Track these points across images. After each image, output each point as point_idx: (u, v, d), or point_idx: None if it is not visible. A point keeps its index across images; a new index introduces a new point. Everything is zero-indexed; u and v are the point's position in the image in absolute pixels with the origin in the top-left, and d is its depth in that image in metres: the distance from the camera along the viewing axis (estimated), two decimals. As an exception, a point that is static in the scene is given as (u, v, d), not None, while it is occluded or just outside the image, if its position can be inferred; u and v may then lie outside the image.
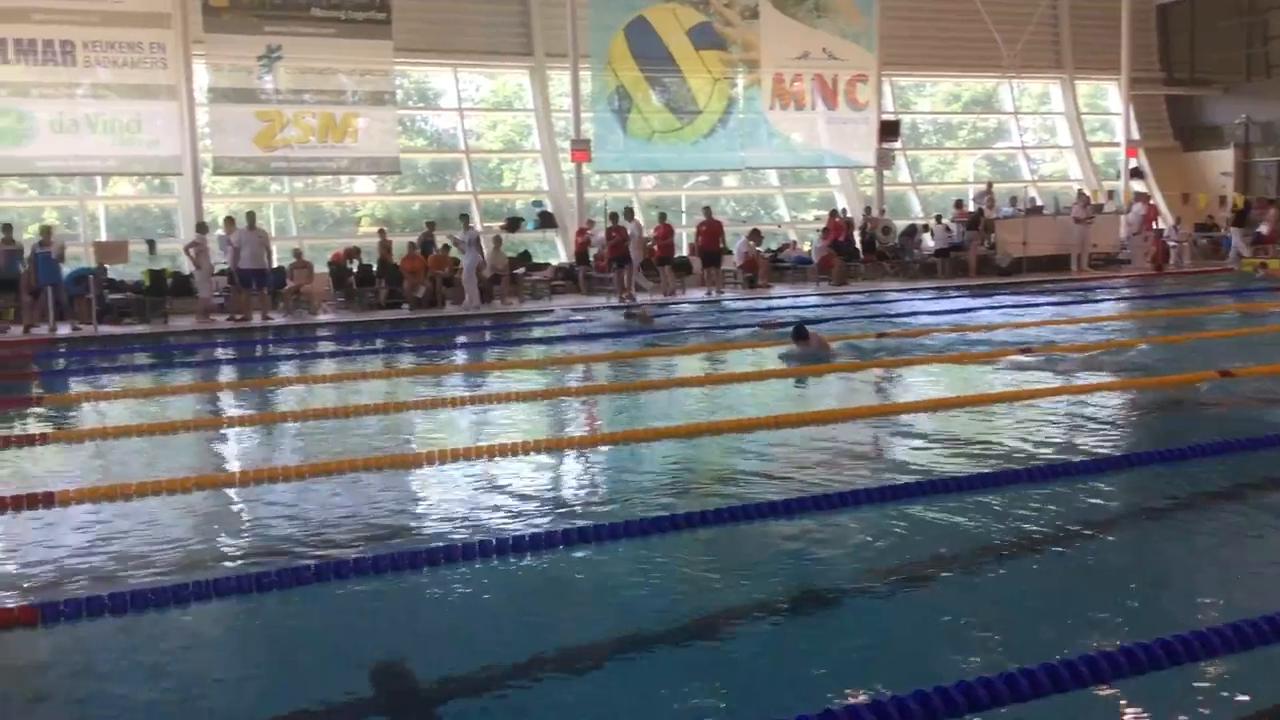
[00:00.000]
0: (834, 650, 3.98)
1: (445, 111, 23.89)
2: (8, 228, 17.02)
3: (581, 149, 21.81)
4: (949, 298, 18.64)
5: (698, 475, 6.75)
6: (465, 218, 19.72)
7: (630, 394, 9.73)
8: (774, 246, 23.63)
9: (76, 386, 11.57)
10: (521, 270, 20.87)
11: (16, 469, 7.38)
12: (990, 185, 25.21)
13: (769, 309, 17.40)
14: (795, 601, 4.49)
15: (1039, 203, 24.72)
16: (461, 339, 14.92)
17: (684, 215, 24.30)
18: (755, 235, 22.08)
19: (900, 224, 24.37)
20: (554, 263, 22.18)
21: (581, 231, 21.30)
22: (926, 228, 24.13)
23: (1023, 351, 10.85)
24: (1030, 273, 22.24)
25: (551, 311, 18.09)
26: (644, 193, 24.67)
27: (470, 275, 18.75)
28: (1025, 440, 7.20)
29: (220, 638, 4.45)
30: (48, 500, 6.09)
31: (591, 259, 21.14)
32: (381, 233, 20.21)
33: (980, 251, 22.92)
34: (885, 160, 24.94)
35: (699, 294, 20.44)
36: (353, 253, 19.90)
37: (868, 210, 24.03)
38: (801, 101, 24.67)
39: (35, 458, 7.71)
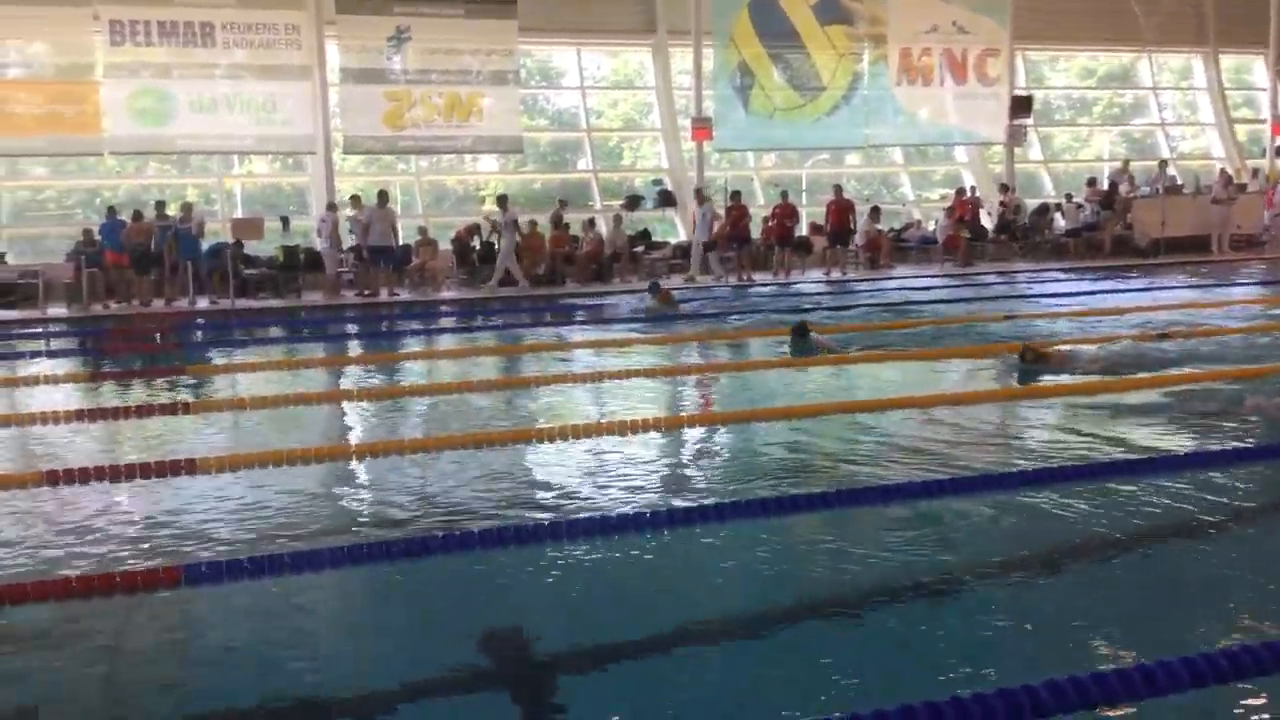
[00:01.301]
0: (947, 638, 3.89)
1: (567, 90, 24.03)
2: (160, 205, 17.73)
3: (702, 127, 21.68)
4: (1081, 279, 18.03)
5: (810, 456, 6.65)
6: (504, 199, 19.23)
7: (743, 373, 9.65)
8: (897, 226, 23.16)
9: (214, 358, 12.01)
10: (640, 249, 20.89)
11: (160, 437, 7.70)
12: (1127, 163, 24.26)
13: (884, 290, 17.09)
14: (909, 587, 4.40)
15: (1178, 181, 23.69)
16: (580, 315, 15.00)
17: (804, 194, 23.98)
18: (875, 214, 21.68)
19: (1031, 203, 23.62)
20: (673, 241, 22.14)
21: (741, 208, 21.11)
22: (1058, 207, 23.35)
23: (1162, 336, 10.43)
24: (1168, 254, 21.33)
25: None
26: (764, 171, 24.43)
27: (509, 256, 18.60)
28: (1159, 428, 6.92)
29: (347, 603, 4.58)
30: (189, 467, 6.34)
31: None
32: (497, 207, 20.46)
33: (1115, 232, 22.08)
34: (1016, 137, 24.19)
35: (817, 274, 20.18)
36: (473, 230, 20.17)
37: (1003, 188, 23.34)
38: (929, 77, 24.08)
39: (177, 426, 8.03)
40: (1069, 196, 23.13)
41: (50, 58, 19.09)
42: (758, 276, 19.61)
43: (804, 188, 23.99)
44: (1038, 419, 7.59)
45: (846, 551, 4.81)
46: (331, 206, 18.51)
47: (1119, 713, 3.20)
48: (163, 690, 3.74)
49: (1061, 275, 18.91)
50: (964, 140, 24.99)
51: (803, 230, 21.45)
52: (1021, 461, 6.20)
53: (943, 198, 24.17)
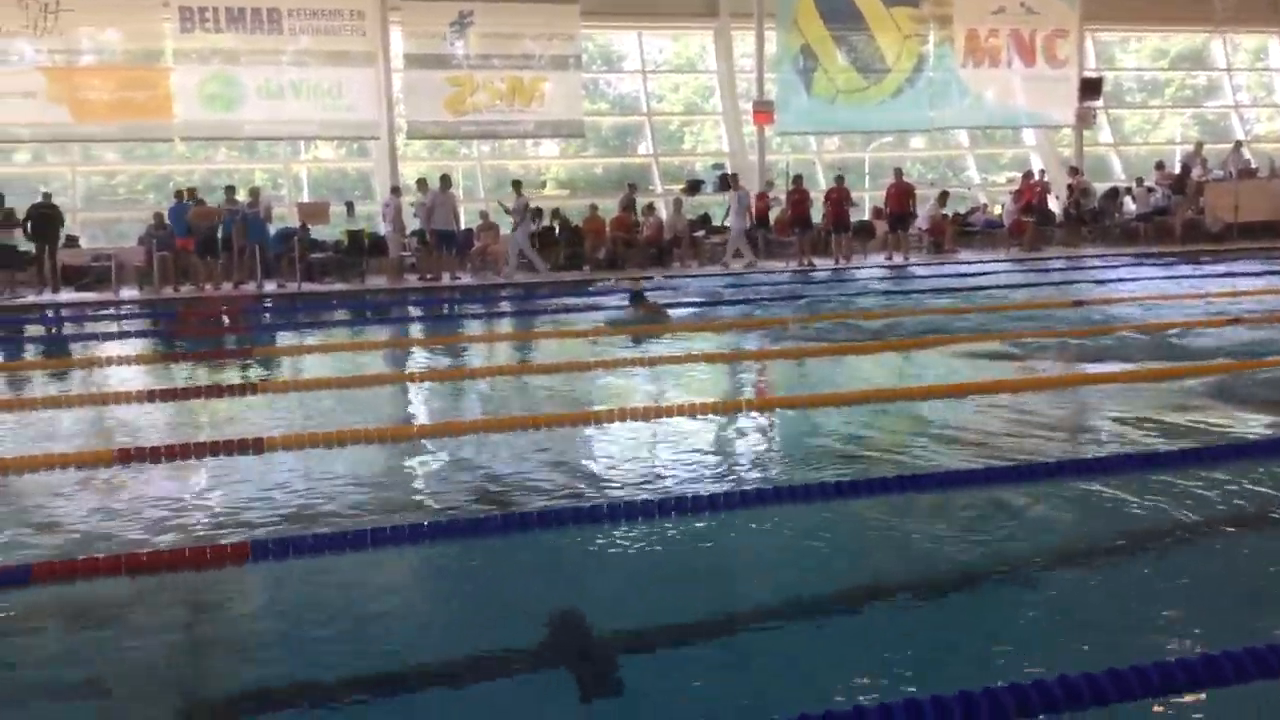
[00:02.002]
0: (1010, 626, 3.84)
1: (628, 74, 24.00)
2: (229, 190, 18.05)
3: (764, 110, 21.54)
4: (1152, 264, 17.65)
5: (873, 441, 6.58)
6: (517, 184, 19.21)
7: (805, 358, 9.59)
8: (961, 210, 22.84)
9: (281, 340, 12.21)
10: (701, 233, 20.83)
11: (229, 416, 7.85)
12: (1200, 145, 23.66)
13: (944, 275, 16.87)
14: (974, 575, 4.35)
15: (1253, 164, 23.06)
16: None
17: (867, 178, 23.75)
18: (943, 198, 21.40)
19: (1100, 187, 23.16)
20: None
21: (762, 195, 21.07)
22: (1128, 191, 22.86)
23: (1233, 322, 10.19)
24: (1242, 239, 20.79)
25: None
26: (826, 154, 24.22)
27: (524, 243, 18.58)
28: (1228, 415, 6.76)
29: (409, 581, 4.63)
30: (257, 446, 6.45)
31: (772, 223, 20.91)
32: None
33: (1187, 216, 21.57)
34: (1086, 119, 23.72)
35: (878, 259, 19.99)
36: (534, 213, 20.23)
37: (1072, 171, 22.89)
38: (996, 58, 23.69)
39: (245, 406, 8.18)
40: (1139, 180, 22.65)
41: (122, 44, 19.51)
42: (819, 261, 19.45)
43: (867, 171, 23.73)
44: (1098, 405, 7.44)
45: (908, 536, 4.76)
46: (395, 191, 18.70)
47: (1185, 701, 3.14)
48: (228, 664, 3.82)
49: (1131, 260, 18.52)
50: (1031, 123, 24.57)
51: (864, 215, 21.25)
52: (1090, 448, 6.08)
53: (1009, 181, 23.80)
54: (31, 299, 16.42)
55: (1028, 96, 23.96)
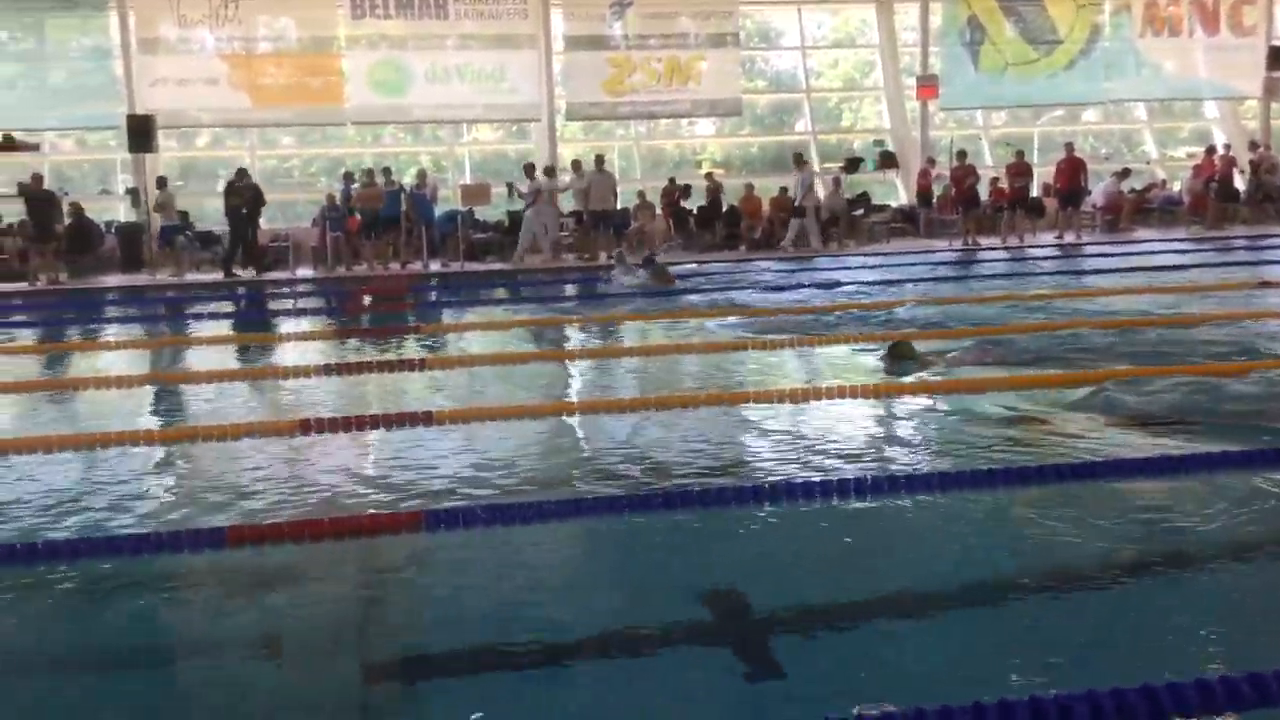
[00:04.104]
0: (1161, 621, 3.67)
1: (786, 51, 23.70)
2: (388, 171, 18.65)
3: (928, 85, 20.98)
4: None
5: (1036, 427, 6.33)
6: (530, 167, 18.75)
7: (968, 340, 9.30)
8: (1138, 186, 21.77)
9: (447, 317, 12.57)
10: (860, 212, 20.47)
11: (399, 390, 8.14)
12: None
13: (1109, 254, 16.10)
14: (1142, 566, 4.17)
15: None
16: (797, 280, 14.83)
17: (1036, 153, 22.88)
18: (1124, 174, 20.46)
19: (1290, 161, 21.73)
20: (893, 204, 21.59)
21: (925, 172, 20.56)
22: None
23: None
24: None
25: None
26: (993, 130, 23.44)
27: (551, 224, 18.27)
28: None
29: (572, 554, 4.71)
30: (426, 419, 6.67)
31: (935, 201, 20.38)
32: (709, 176, 20.51)
33: (1388, 193, 20.07)
34: (1273, 90, 22.25)
35: (1049, 237, 19.26)
36: (684, 191, 20.24)
37: (1253, 145, 21.57)
38: (1177, 27, 22.46)
39: (414, 381, 8.46)
40: (1333, 154, 21.16)
41: (297, 32, 20.34)
42: (984, 240, 18.86)
43: (1036, 147, 22.85)
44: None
45: (1062, 527, 4.60)
46: (550, 171, 18.93)
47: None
48: (401, 628, 3.97)
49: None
50: (1214, 95, 23.22)
51: (1034, 191, 20.48)
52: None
53: (1190, 156, 22.57)
54: (222, 278, 17.33)
55: (1210, 67, 22.65)
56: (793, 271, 15.84)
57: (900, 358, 8.08)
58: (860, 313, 10.77)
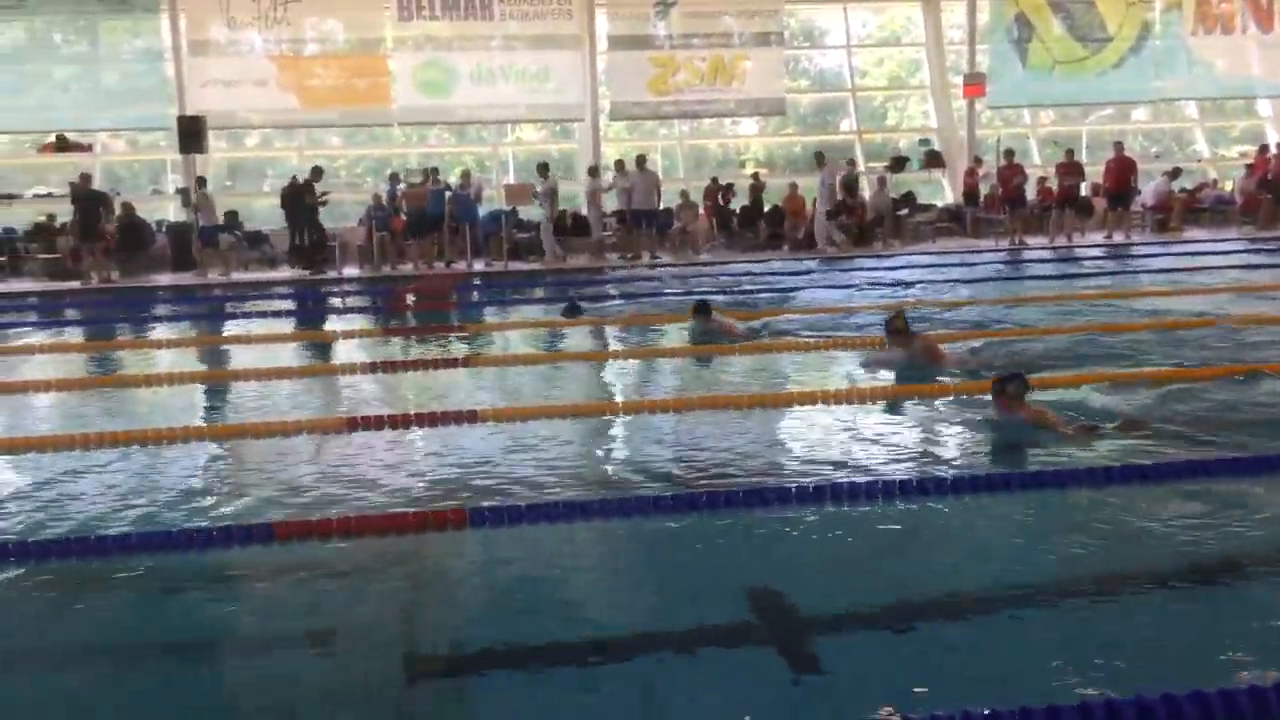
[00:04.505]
0: (1219, 626, 3.62)
1: (831, 50, 23.58)
2: (435, 171, 18.78)
3: (975, 83, 20.78)
4: None
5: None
6: (544, 166, 18.64)
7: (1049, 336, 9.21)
8: (1189, 185, 21.43)
9: (490, 316, 12.63)
10: (904, 212, 20.32)
11: (444, 388, 8.20)
12: None
13: (1157, 255, 15.86)
14: (1195, 571, 4.11)
15: None
16: (842, 280, 14.76)
17: (1084, 152, 22.58)
18: (1175, 174, 20.15)
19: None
20: (939, 204, 21.41)
21: (971, 171, 20.37)
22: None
23: None
24: None
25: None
26: (1041, 128, 23.17)
27: (548, 229, 18.20)
28: None
29: (613, 552, 4.72)
30: (471, 417, 6.71)
31: (981, 200, 20.19)
32: (755, 175, 20.47)
33: None
34: (1330, 88, 21.85)
35: (1097, 237, 19.00)
36: (727, 191, 20.18)
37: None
38: (1230, 24, 22.08)
39: (458, 379, 8.52)
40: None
41: (345, 34, 20.55)
42: (1031, 240, 18.65)
43: (1084, 145, 22.56)
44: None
45: (1113, 530, 4.54)
46: (594, 171, 18.98)
47: None
48: (444, 622, 4.00)
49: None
50: (1268, 93, 22.79)
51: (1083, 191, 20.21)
52: None
53: (1242, 155, 22.17)
54: (277, 275, 17.54)
55: (1263, 64, 22.24)
56: (839, 271, 15.76)
57: (894, 331, 7.98)
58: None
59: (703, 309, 10.05)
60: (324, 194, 17.72)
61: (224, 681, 3.63)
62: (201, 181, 18.09)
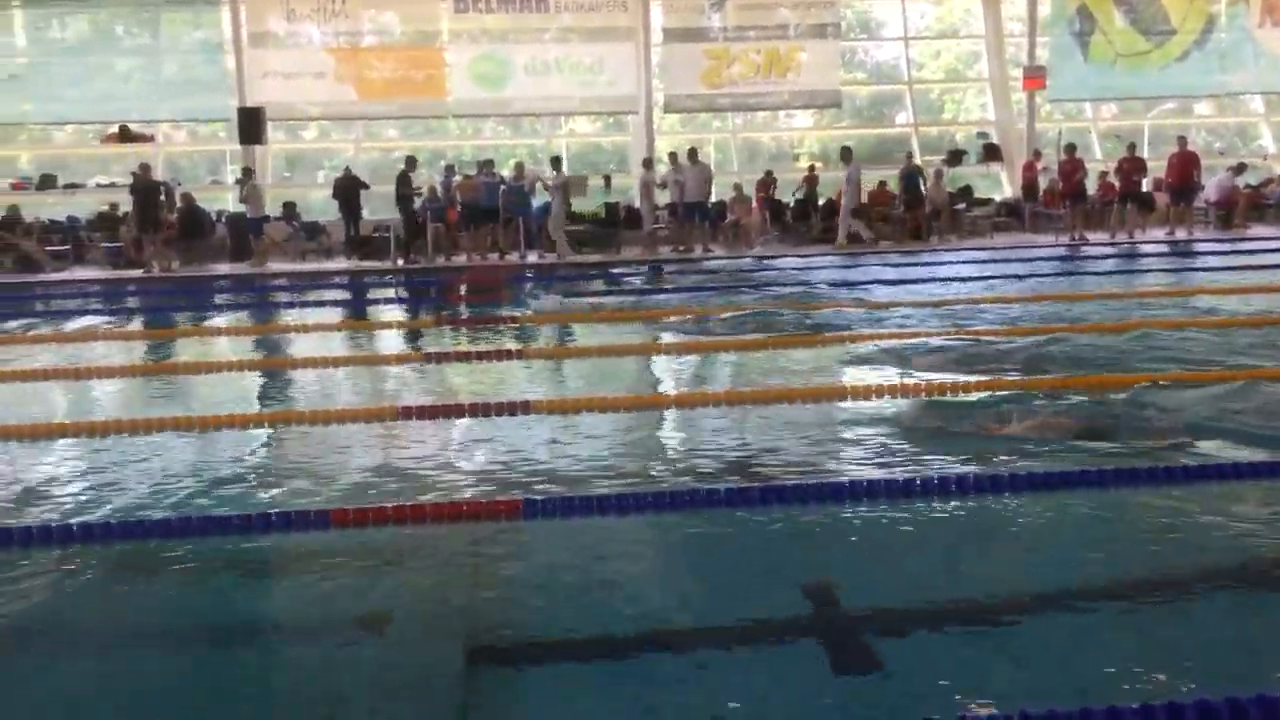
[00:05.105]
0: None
1: (888, 41, 23.36)
2: (490, 163, 18.87)
3: (1036, 76, 20.50)
4: None
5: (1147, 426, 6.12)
6: (557, 160, 18.64)
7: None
8: (1254, 181, 20.97)
9: (541, 308, 12.65)
10: (962, 206, 20.09)
11: (498, 379, 8.23)
12: None
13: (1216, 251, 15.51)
14: (1253, 574, 4.01)
15: None
16: (890, 275, 14.62)
17: (1147, 147, 22.17)
18: (1239, 169, 19.72)
19: None
20: (997, 198, 21.15)
21: (1030, 166, 20.08)
22: None
23: None
24: None
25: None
26: (1102, 122, 22.79)
27: (558, 225, 18.06)
28: None
29: (667, 546, 4.70)
30: (525, 408, 6.73)
31: (1040, 194, 19.90)
32: (811, 168, 20.32)
33: None
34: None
35: (1159, 233, 18.65)
36: (772, 183, 20.07)
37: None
38: (1299, 16, 21.58)
39: (512, 370, 8.55)
40: None
41: (401, 26, 20.72)
42: (1092, 235, 18.35)
43: (1146, 140, 22.16)
44: None
45: (1187, 531, 4.44)
46: (647, 163, 18.98)
47: None
48: (498, 613, 4.00)
49: None
50: (1338, 87, 22.27)
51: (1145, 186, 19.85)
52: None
53: (1310, 150, 21.69)
54: (333, 265, 17.75)
55: (1334, 57, 21.74)
56: (905, 266, 15.61)
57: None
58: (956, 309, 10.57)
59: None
60: (418, 187, 17.87)
61: (280, 665, 3.66)
62: (247, 173, 18.27)
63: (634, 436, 6.39)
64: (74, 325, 11.91)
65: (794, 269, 15.52)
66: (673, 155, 19.12)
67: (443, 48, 20.71)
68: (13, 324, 12.03)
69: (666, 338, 10.25)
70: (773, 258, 17.28)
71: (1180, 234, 18.43)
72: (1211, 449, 5.47)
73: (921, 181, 19.01)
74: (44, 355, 9.71)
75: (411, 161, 18.18)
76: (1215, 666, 3.29)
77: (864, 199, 19.30)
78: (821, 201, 19.77)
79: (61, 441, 6.41)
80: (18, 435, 6.44)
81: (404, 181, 17.76)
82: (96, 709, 3.35)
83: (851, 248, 17.99)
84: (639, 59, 20.77)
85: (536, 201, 18.64)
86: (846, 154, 18.91)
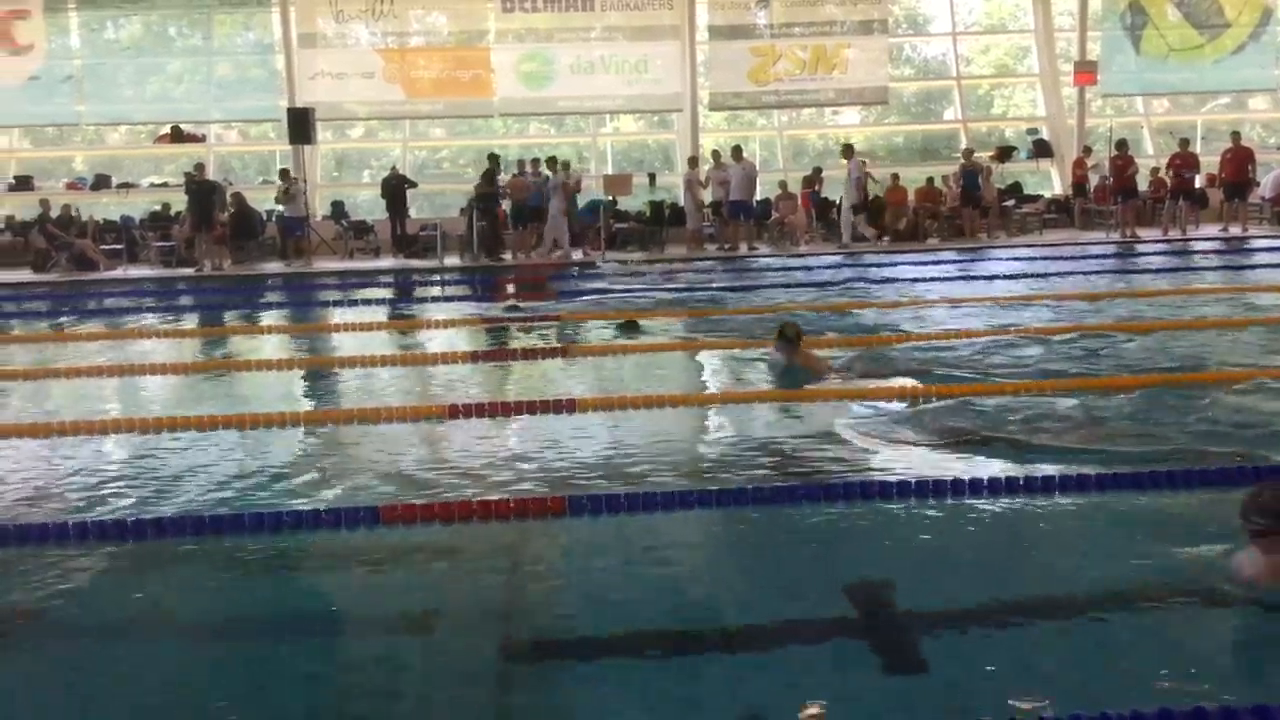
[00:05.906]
0: None
1: (936, 37, 23.14)
2: (535, 162, 18.95)
3: (1087, 71, 20.21)
4: None
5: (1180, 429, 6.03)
6: (553, 160, 18.37)
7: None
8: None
9: (585, 307, 12.68)
10: (1011, 202, 19.87)
11: (542, 377, 8.28)
12: None
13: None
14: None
15: None
16: (935, 272, 14.50)
17: (1200, 142, 21.80)
18: (1294, 165, 19.37)
19: None
20: (1047, 195, 20.89)
21: (1080, 162, 19.81)
22: None
23: None
24: None
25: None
26: (1154, 117, 22.43)
27: (561, 223, 17.85)
28: None
29: (711, 543, 4.73)
30: (569, 406, 6.77)
31: (1090, 191, 19.63)
32: (863, 163, 20.18)
33: None
34: None
35: (1213, 230, 18.33)
36: (819, 180, 19.94)
37: None
38: (1358, 8, 21.12)
39: (557, 368, 8.59)
40: None
41: (449, 26, 20.87)
42: (1143, 232, 18.06)
43: (1200, 135, 21.77)
44: None
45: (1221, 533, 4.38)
46: (692, 161, 18.94)
47: None
48: (540, 608, 4.04)
49: None
50: (1397, 80, 21.77)
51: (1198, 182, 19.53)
52: None
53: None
54: (378, 264, 17.91)
55: (1394, 50, 21.25)
56: (946, 263, 15.49)
57: (784, 338, 7.61)
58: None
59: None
60: (503, 186, 17.95)
61: (327, 659, 3.71)
62: (285, 174, 18.41)
63: (679, 434, 6.42)
64: (129, 322, 12.12)
65: (832, 266, 15.45)
66: (715, 154, 19.05)
67: (489, 47, 20.82)
68: (71, 321, 12.28)
69: (710, 334, 10.24)
70: (816, 255, 17.20)
71: (1234, 231, 18.10)
72: (1267, 449, 5.39)
73: (979, 179, 18.79)
74: (103, 353, 9.90)
75: (495, 159, 18.24)
76: (1273, 671, 3.25)
77: (912, 196, 19.16)
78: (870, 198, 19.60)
79: (116, 437, 6.54)
80: (73, 431, 6.58)
81: (489, 178, 17.85)
82: (163, 694, 3.42)
83: (855, 247, 17.86)
84: (684, 56, 20.76)
85: (581, 200, 18.67)
86: (848, 151, 18.80)
